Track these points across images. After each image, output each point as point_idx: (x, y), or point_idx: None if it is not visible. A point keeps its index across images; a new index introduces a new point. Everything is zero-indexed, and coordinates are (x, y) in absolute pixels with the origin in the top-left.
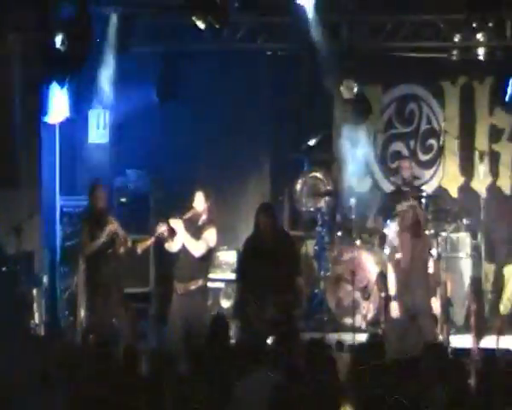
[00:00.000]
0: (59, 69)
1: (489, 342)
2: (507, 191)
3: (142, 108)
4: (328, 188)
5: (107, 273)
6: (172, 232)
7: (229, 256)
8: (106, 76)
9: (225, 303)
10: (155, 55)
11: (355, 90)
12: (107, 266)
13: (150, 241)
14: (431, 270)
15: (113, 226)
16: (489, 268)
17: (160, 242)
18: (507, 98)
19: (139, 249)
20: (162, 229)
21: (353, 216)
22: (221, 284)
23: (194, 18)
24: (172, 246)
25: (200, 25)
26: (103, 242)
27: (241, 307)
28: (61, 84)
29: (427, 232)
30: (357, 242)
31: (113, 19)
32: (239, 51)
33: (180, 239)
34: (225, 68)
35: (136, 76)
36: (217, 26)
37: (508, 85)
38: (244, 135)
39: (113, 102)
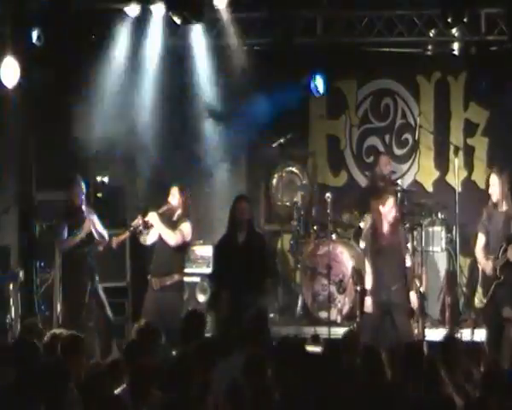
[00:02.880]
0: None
1: (464, 335)
2: (481, 185)
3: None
4: (304, 182)
5: (83, 269)
6: (148, 226)
7: (204, 251)
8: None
9: (201, 298)
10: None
11: None
12: (83, 262)
13: (125, 235)
14: (407, 264)
15: (90, 223)
16: (464, 262)
17: (136, 236)
18: (480, 93)
19: (114, 244)
20: (137, 222)
21: (329, 210)
22: (197, 279)
23: (170, 13)
24: (147, 240)
25: (177, 20)
26: (80, 238)
27: (216, 303)
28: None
29: (402, 226)
30: (333, 236)
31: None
32: (215, 46)
33: (155, 233)
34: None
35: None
36: (192, 22)
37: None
38: (220, 130)
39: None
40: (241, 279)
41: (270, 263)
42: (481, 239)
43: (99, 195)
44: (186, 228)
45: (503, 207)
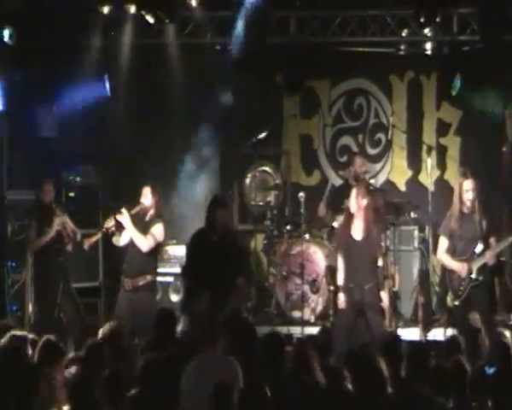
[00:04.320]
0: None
1: (436, 334)
2: (454, 185)
3: (92, 103)
4: (277, 182)
5: (55, 268)
6: (120, 227)
7: (178, 250)
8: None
9: (174, 297)
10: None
11: None
12: (55, 261)
13: (97, 236)
14: (379, 263)
15: (60, 221)
16: (436, 261)
17: (108, 236)
18: (453, 92)
19: (86, 245)
20: (110, 224)
21: (302, 210)
22: (170, 279)
23: (143, 12)
24: (120, 241)
25: (150, 19)
26: (51, 237)
27: (189, 302)
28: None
29: (375, 226)
30: (306, 235)
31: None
32: (187, 46)
33: (128, 234)
34: (175, 62)
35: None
36: (166, 21)
37: (454, 80)
38: (193, 129)
39: (62, 96)
40: (215, 277)
41: (245, 261)
42: (444, 242)
43: (71, 194)
44: (158, 230)
45: (475, 211)
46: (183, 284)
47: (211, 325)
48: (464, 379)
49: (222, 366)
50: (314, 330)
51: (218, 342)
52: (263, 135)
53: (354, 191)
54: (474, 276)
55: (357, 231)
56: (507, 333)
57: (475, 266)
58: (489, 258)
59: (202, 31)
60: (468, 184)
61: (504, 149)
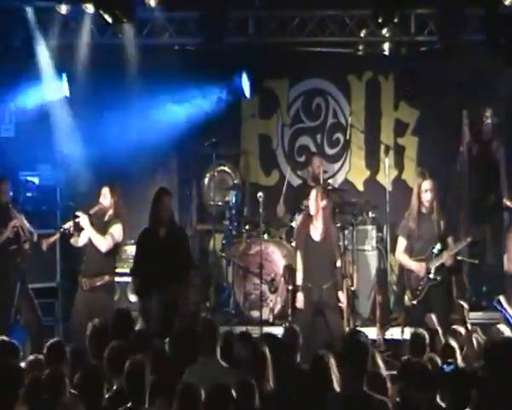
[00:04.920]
0: None
1: (393, 333)
2: (412, 184)
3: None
4: (236, 182)
5: (12, 269)
6: (78, 227)
7: None
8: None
9: (133, 298)
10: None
11: None
12: (12, 262)
13: (55, 236)
14: (338, 263)
15: (17, 221)
16: (394, 260)
17: (66, 237)
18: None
19: (44, 245)
20: (68, 224)
21: (261, 210)
22: (128, 279)
23: (101, 12)
24: (78, 241)
25: (108, 19)
26: (7, 237)
27: (141, 303)
28: None
29: (334, 226)
30: (265, 235)
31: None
32: (146, 46)
33: (86, 234)
34: (134, 62)
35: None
36: (124, 21)
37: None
38: (152, 129)
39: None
40: (163, 274)
41: (192, 256)
42: (402, 242)
43: (29, 194)
44: (117, 230)
45: (433, 211)
46: (133, 284)
47: (210, 330)
48: (437, 376)
49: (222, 374)
50: (272, 330)
51: (216, 348)
52: (214, 140)
53: (313, 192)
54: (431, 276)
55: (316, 231)
56: (462, 331)
57: (433, 265)
58: (447, 258)
59: (161, 31)
60: (427, 185)
61: (461, 150)
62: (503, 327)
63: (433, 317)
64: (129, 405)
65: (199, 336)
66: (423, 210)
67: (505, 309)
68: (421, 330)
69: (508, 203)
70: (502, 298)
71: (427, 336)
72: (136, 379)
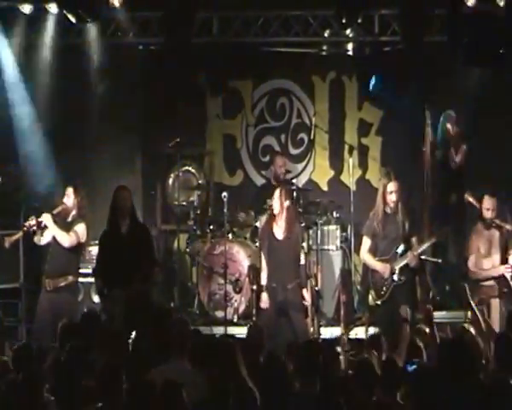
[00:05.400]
0: None
1: (358, 332)
2: (375, 184)
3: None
4: (201, 182)
5: None
6: (42, 227)
7: None
8: None
9: (97, 298)
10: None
11: None
12: None
13: (18, 235)
14: (302, 262)
15: None
16: (358, 260)
17: (29, 236)
18: (370, 88)
19: (7, 243)
20: (31, 223)
21: (225, 210)
22: (92, 279)
23: (64, 12)
24: (41, 240)
25: (72, 19)
26: None
27: (104, 303)
28: None
29: (298, 225)
30: (229, 235)
31: None
32: (111, 45)
33: (49, 233)
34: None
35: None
36: (87, 21)
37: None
38: (116, 129)
39: None
40: (126, 272)
41: (155, 253)
42: (367, 242)
43: None
44: (80, 229)
45: (398, 212)
46: (95, 284)
47: (178, 333)
48: (395, 376)
49: (188, 377)
50: (237, 330)
51: (185, 351)
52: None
53: (277, 192)
54: (396, 276)
55: (280, 230)
56: (426, 330)
57: (397, 266)
58: (411, 258)
59: (125, 31)
60: (392, 186)
61: (424, 150)
62: (467, 326)
63: (408, 309)
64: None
65: (170, 336)
66: (388, 211)
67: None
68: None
69: (470, 199)
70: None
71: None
72: (109, 380)
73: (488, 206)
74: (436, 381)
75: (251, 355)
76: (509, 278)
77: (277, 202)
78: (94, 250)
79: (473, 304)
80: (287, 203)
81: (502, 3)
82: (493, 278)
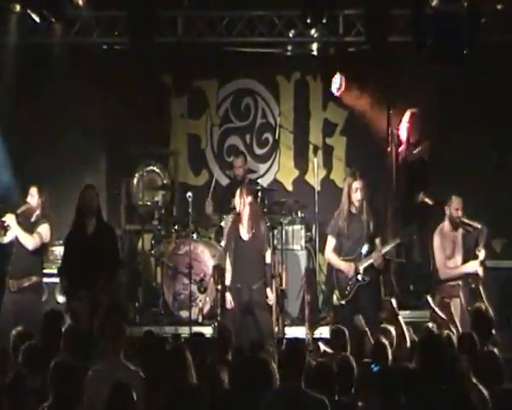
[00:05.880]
0: None
1: (322, 332)
2: (340, 184)
3: None
4: (165, 182)
5: None
6: (5, 227)
7: None
8: None
9: (61, 298)
10: None
11: None
12: None
13: None
14: (267, 262)
15: None
16: (323, 260)
17: None
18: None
19: None
20: None
21: (190, 210)
22: (56, 279)
23: (28, 11)
24: (4, 239)
25: (36, 18)
26: None
27: (69, 303)
28: None
29: (263, 225)
30: (194, 235)
31: None
32: (75, 45)
33: (13, 233)
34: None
35: None
36: (52, 20)
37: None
38: (80, 129)
39: None
40: (91, 272)
41: (120, 253)
42: (332, 241)
43: None
44: (44, 230)
45: (363, 212)
46: (60, 283)
47: (114, 330)
48: (351, 377)
49: (124, 374)
50: (202, 330)
51: (121, 347)
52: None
53: (238, 191)
54: (360, 276)
55: (245, 230)
56: (392, 330)
57: (362, 266)
58: (375, 258)
59: (89, 30)
60: (357, 185)
61: (389, 150)
62: (432, 325)
63: (361, 318)
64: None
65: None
66: (353, 210)
67: (433, 309)
68: (340, 327)
69: (425, 199)
70: (429, 298)
71: (346, 332)
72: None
73: (456, 205)
74: (403, 381)
75: (219, 353)
76: (481, 274)
77: (238, 200)
78: (58, 250)
79: (435, 303)
80: (248, 200)
81: (465, 4)
82: (466, 275)
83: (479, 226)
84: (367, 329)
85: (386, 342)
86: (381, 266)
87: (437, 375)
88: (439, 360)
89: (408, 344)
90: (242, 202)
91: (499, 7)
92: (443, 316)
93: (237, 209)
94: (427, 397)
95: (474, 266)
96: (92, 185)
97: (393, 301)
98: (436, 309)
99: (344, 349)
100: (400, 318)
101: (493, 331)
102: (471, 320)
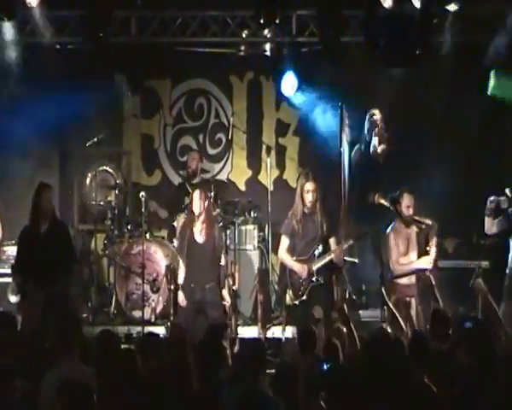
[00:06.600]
0: None
1: (275, 332)
2: (293, 184)
3: None
4: (118, 181)
5: None
6: None
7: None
8: None
9: (13, 298)
10: None
11: None
12: None
13: None
14: (221, 262)
15: None
16: (276, 260)
17: None
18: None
19: None
20: None
21: (143, 209)
22: (8, 279)
23: None
24: None
25: None
26: None
27: (21, 303)
28: None
29: (216, 226)
30: (147, 235)
31: None
32: (28, 45)
33: None
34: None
35: None
36: (4, 19)
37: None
38: (33, 128)
39: None
40: (45, 270)
41: (74, 251)
42: (285, 241)
43: None
44: None
45: (316, 213)
46: (14, 282)
47: (69, 332)
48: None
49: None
50: (155, 330)
51: (74, 349)
52: (102, 136)
53: (197, 192)
54: (314, 277)
55: (199, 231)
56: (344, 330)
57: (315, 266)
58: (329, 259)
59: (42, 30)
60: (309, 186)
61: (341, 150)
62: (385, 325)
63: (321, 310)
64: None
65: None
66: (306, 211)
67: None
68: (310, 328)
69: (381, 201)
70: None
71: (317, 332)
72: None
73: (408, 203)
74: (350, 380)
75: (174, 353)
76: (429, 269)
77: (197, 203)
78: (10, 250)
79: (390, 303)
80: (206, 203)
81: (417, 5)
82: (417, 270)
83: (430, 223)
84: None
85: (338, 343)
86: (334, 266)
87: (383, 375)
88: (386, 360)
89: (358, 345)
90: (201, 205)
91: (451, 8)
92: (398, 316)
93: (196, 211)
94: (376, 397)
95: (425, 263)
96: (49, 186)
97: (345, 308)
98: (392, 308)
99: (313, 349)
100: (352, 325)
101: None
102: (429, 321)
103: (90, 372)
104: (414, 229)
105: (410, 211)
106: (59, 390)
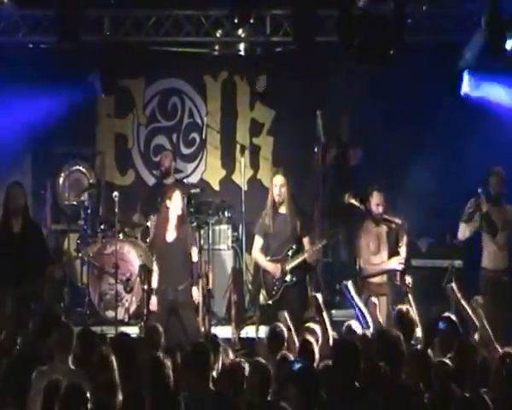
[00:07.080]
0: None
1: (248, 332)
2: (267, 184)
3: None
4: (92, 181)
5: None
6: None
7: None
8: None
9: None
10: None
11: None
12: None
13: None
14: (194, 261)
15: None
16: (249, 260)
17: None
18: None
19: None
20: None
21: (116, 209)
22: None
23: None
24: None
25: None
26: None
27: None
28: None
29: (186, 226)
30: (120, 235)
31: None
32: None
33: None
34: None
35: None
36: None
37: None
38: (4, 128)
39: None
40: (19, 270)
41: (48, 251)
42: (259, 241)
43: None
44: None
45: (285, 209)
46: None
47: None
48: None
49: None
50: (128, 330)
51: (69, 354)
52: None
53: (178, 193)
54: (287, 277)
55: (170, 232)
56: (317, 329)
57: (289, 266)
58: (302, 259)
59: (14, 29)
60: (277, 180)
61: (316, 150)
62: (354, 324)
63: (286, 314)
64: None
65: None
66: (280, 210)
67: (352, 296)
68: (279, 328)
69: (351, 200)
70: (350, 284)
71: (285, 332)
72: None
73: (377, 201)
74: (321, 380)
75: (148, 353)
76: (399, 269)
77: (179, 204)
78: None
79: (360, 302)
80: (183, 204)
81: (391, 5)
82: (385, 272)
83: (399, 222)
84: (291, 326)
85: (313, 340)
86: (308, 266)
87: (350, 373)
88: (352, 359)
89: (330, 341)
90: (180, 206)
91: (425, 8)
92: (366, 314)
93: (176, 212)
94: (344, 395)
95: (395, 263)
96: (19, 183)
97: (319, 297)
98: (355, 297)
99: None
100: (325, 314)
101: (418, 331)
102: (395, 320)
103: (82, 374)
104: (384, 228)
105: (380, 209)
106: (47, 391)
